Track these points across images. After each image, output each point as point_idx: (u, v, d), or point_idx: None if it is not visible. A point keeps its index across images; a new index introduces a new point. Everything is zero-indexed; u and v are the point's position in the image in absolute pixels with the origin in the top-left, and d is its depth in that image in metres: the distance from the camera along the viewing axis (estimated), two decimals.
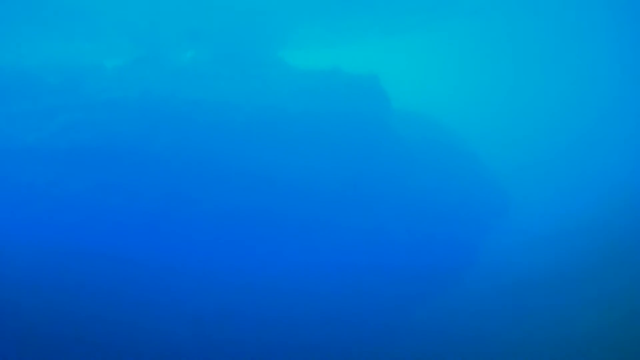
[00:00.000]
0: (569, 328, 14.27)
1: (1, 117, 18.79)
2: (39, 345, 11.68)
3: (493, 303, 17.04)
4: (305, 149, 17.46)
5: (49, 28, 23.19)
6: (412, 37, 31.71)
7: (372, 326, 14.43)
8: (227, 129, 17.03)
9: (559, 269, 19.31)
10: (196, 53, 22.26)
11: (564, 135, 35.37)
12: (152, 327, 12.73)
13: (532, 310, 16.12)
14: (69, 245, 15.46)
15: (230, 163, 16.59)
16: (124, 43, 23.73)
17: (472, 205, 21.77)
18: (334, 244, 16.93)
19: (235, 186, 16.14)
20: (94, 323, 12.63)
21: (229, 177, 16.27)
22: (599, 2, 31.95)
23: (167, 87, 19.11)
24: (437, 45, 35.74)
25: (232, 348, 12.22)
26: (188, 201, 15.77)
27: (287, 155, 17.01)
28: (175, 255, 15.52)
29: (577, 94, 37.64)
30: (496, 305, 16.80)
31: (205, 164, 16.57)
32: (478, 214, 21.83)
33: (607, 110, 36.87)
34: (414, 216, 19.03)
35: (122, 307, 13.40)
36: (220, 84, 19.02)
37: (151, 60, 21.49)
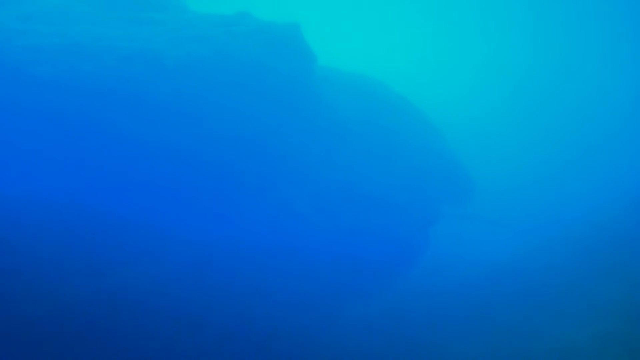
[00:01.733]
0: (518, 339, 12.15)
1: None
2: None
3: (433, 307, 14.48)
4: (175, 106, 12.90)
5: None
6: None
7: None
8: (65, 83, 12.39)
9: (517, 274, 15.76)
10: None
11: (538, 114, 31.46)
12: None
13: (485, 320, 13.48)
14: None
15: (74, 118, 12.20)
16: None
17: (415, 189, 17.49)
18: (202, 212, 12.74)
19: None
20: None
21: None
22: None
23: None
24: None
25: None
26: None
27: (136, 114, 12.50)
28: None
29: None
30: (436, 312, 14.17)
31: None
32: (423, 199, 17.57)
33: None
34: (329, 198, 14.77)
35: None
36: (77, 28, 14.31)
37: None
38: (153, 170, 12.64)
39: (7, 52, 13.40)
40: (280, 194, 14.24)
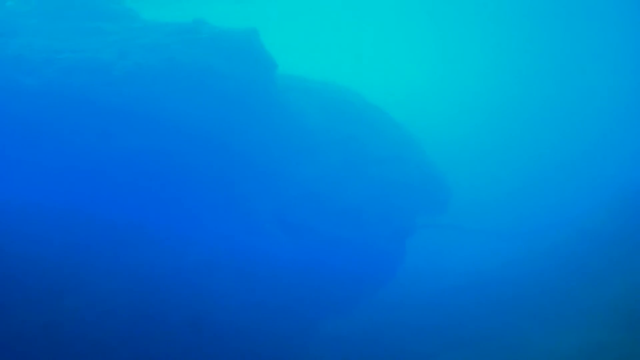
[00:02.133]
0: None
1: None
2: None
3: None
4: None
5: None
6: None
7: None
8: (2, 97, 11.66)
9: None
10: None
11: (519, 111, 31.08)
12: None
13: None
14: None
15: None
16: None
17: (390, 199, 16.73)
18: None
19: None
20: None
21: None
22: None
23: None
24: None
25: None
26: None
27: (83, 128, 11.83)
28: None
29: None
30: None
31: None
32: (398, 209, 16.80)
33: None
34: (297, 210, 14.14)
35: None
36: (19, 41, 13.55)
37: None
38: (102, 178, 11.95)
39: None
40: (245, 206, 13.49)
